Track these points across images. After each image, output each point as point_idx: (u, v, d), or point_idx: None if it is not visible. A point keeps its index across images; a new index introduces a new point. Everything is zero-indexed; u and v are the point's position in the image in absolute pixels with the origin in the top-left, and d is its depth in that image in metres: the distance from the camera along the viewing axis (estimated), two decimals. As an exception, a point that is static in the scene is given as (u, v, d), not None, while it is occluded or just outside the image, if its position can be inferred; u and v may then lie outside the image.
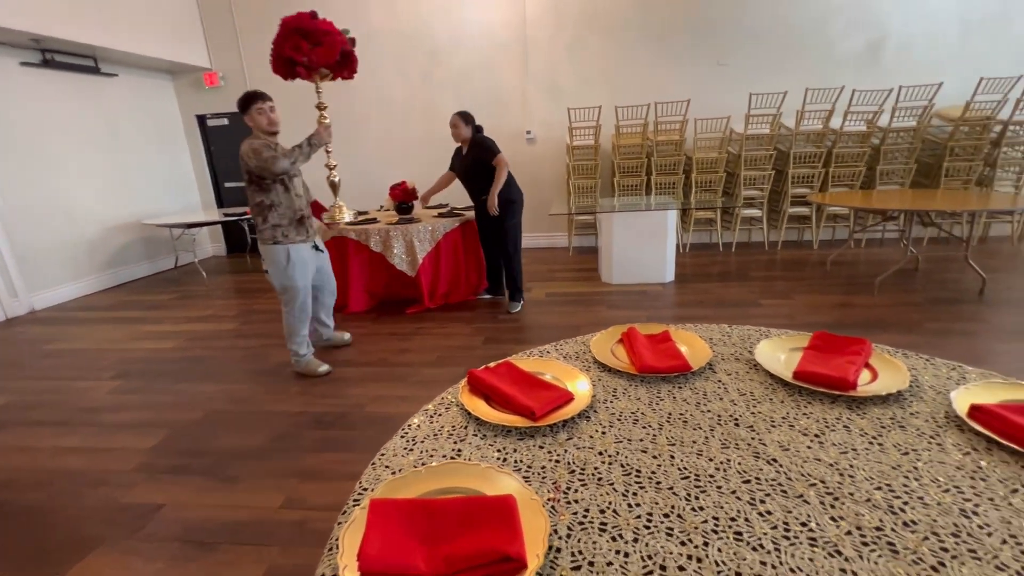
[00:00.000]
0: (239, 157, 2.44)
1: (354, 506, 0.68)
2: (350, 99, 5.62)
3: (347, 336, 3.19)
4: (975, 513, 0.62)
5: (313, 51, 2.43)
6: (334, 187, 2.88)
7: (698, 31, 4.98)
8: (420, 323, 3.50)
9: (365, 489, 0.72)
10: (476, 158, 3.44)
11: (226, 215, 5.41)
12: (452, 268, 3.87)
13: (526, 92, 5.39)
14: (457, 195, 5.50)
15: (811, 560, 0.56)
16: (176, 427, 2.28)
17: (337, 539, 0.61)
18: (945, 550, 0.57)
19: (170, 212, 5.90)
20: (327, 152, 2.80)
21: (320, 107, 2.71)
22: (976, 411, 0.79)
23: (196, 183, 6.36)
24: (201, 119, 6.16)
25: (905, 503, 0.64)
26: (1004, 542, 0.57)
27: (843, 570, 0.55)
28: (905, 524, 0.61)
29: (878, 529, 0.60)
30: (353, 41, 2.64)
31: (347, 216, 2.96)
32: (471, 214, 3.91)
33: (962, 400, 0.82)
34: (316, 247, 2.74)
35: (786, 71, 4.85)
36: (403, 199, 3.93)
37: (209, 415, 2.38)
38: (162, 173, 5.89)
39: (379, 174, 5.72)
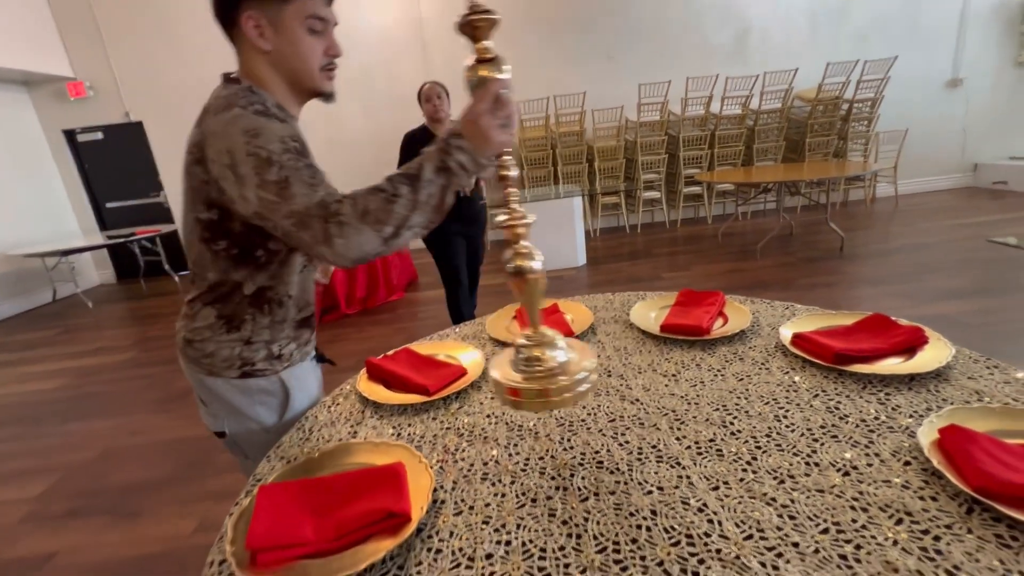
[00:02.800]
0: (198, 153, 0.79)
1: (245, 497, 0.70)
2: (242, 105, 5.32)
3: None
4: (785, 416, 0.75)
5: None
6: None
7: (587, 28, 5.24)
8: (338, 330, 3.42)
9: (259, 480, 0.74)
10: None
11: (111, 238, 4.93)
12: (368, 272, 3.81)
13: (429, 90, 5.39)
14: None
15: (656, 472, 0.67)
16: (67, 470, 2.09)
17: (226, 529, 0.63)
18: (759, 447, 0.69)
19: (41, 240, 5.27)
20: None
21: (484, 58, 0.67)
22: (797, 338, 0.94)
23: (71, 206, 5.73)
24: (70, 135, 5.55)
25: (735, 418, 0.77)
26: (802, 435, 0.71)
27: (680, 476, 0.66)
28: (732, 434, 0.73)
29: (711, 441, 0.72)
30: None
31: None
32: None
33: (786, 331, 0.98)
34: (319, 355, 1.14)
35: (669, 62, 5.24)
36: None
37: (105, 453, 2.20)
38: (26, 197, 5.24)
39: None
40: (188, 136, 0.82)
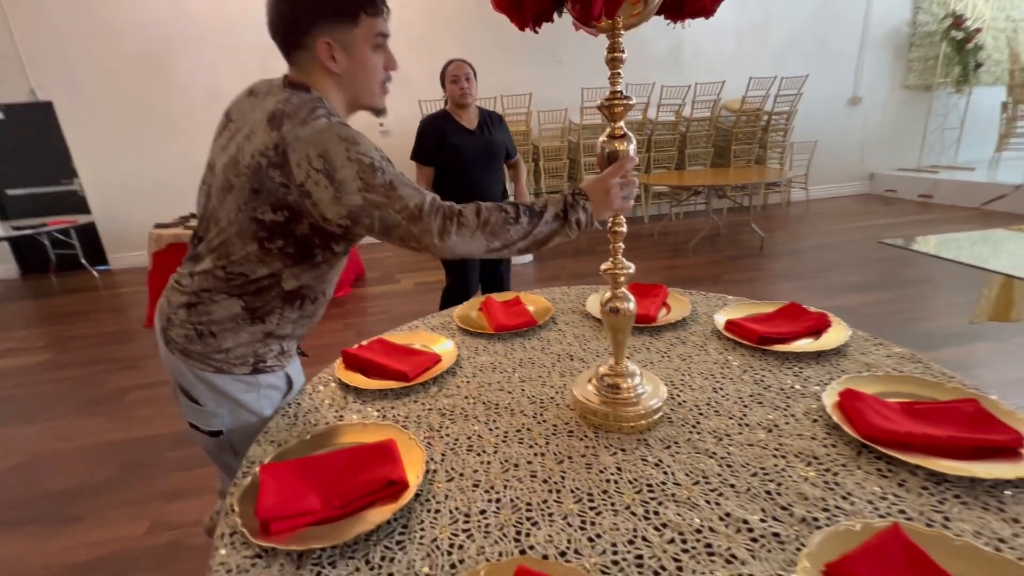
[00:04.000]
0: (277, 157, 0.78)
1: (244, 478, 0.74)
2: (166, 93, 4.98)
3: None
4: (721, 388, 0.89)
5: None
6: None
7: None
8: (283, 327, 3.33)
9: (253, 463, 0.78)
10: (501, 140, 2.21)
11: (16, 228, 4.46)
12: (313, 267, 3.73)
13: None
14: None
15: (618, 438, 0.78)
16: (-15, 481, 1.93)
17: (232, 505, 0.67)
18: (701, 413, 0.82)
19: (-76, 230, 4.67)
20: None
21: (617, 121, 0.79)
22: (729, 324, 1.10)
23: (-38, 191, 5.11)
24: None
25: (680, 391, 0.90)
26: (735, 403, 0.85)
27: (639, 439, 0.77)
28: (679, 404, 0.86)
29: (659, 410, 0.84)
30: None
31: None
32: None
33: (721, 318, 1.13)
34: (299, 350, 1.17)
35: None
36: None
37: (29, 460, 2.04)
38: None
39: (215, 173, 5.18)
40: (246, 137, 0.82)
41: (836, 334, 1.02)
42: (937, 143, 6.51)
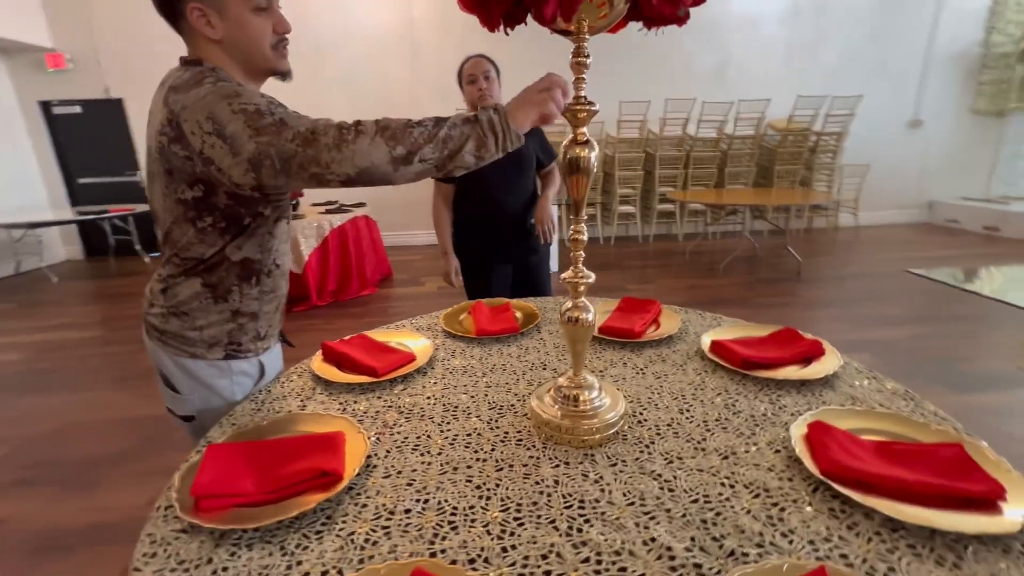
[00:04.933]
0: (172, 131, 0.80)
1: (195, 455, 0.76)
2: (227, 90, 5.29)
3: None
4: (688, 410, 0.85)
5: None
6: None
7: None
8: (307, 320, 3.45)
9: (209, 440, 0.80)
10: (529, 146, 1.83)
11: (81, 214, 4.85)
12: (341, 265, 3.85)
13: (414, 91, 5.46)
14: (345, 193, 5.40)
15: (565, 451, 0.76)
16: (19, 442, 2.08)
17: (175, 480, 0.69)
18: (659, 434, 0.79)
19: (9, 210, 5.14)
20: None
21: (580, 127, 0.75)
22: (715, 345, 1.05)
23: (42, 178, 5.60)
24: (46, 106, 5.43)
25: (644, 409, 0.86)
26: (698, 426, 0.81)
27: (586, 454, 0.75)
28: (639, 422, 0.83)
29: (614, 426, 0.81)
30: None
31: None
32: (362, 210, 3.89)
33: (707, 338, 1.08)
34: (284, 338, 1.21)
35: (650, 82, 5.41)
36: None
37: (63, 427, 2.20)
38: (-5, 166, 5.12)
39: (263, 170, 5.45)
40: (150, 123, 0.84)
41: (826, 363, 0.96)
42: (1009, 172, 6.04)
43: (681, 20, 0.70)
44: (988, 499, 0.61)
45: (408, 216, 5.66)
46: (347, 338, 1.14)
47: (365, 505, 0.65)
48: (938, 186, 6.07)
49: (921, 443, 0.72)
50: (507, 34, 0.76)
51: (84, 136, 5.52)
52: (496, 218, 1.81)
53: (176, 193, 0.84)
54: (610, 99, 5.15)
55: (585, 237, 0.80)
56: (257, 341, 1.01)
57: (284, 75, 0.94)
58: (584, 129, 0.75)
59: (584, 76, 0.73)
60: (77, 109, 5.47)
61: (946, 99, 5.83)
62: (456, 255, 1.91)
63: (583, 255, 0.80)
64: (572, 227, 0.79)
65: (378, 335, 1.18)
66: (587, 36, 0.71)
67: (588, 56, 0.72)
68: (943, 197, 6.06)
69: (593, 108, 0.73)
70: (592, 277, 0.81)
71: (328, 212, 3.90)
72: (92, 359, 2.95)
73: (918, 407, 0.83)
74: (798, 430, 0.75)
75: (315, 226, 3.60)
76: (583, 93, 0.73)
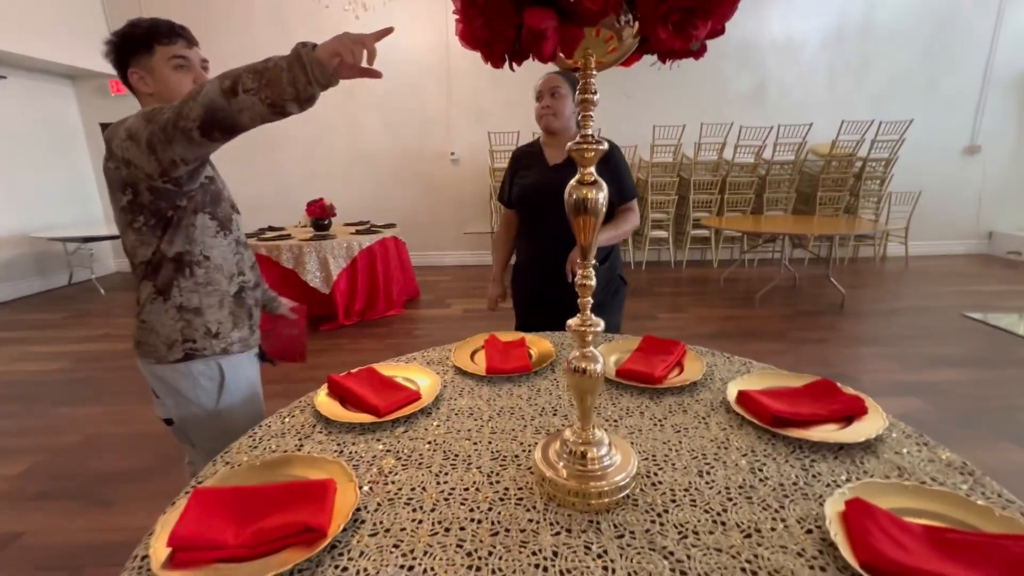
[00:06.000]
0: (107, 154, 1.00)
1: (183, 497, 0.73)
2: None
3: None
4: (708, 472, 0.77)
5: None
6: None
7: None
8: (334, 340, 3.48)
9: (200, 482, 0.78)
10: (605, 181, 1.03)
11: (130, 229, 5.10)
12: (369, 285, 3.88)
13: (450, 115, 5.55)
14: (377, 213, 5.51)
15: (568, 516, 0.69)
16: (49, 452, 2.14)
17: (156, 526, 0.66)
18: (674, 501, 0.71)
19: (66, 225, 5.47)
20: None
21: (587, 167, 0.71)
22: (742, 396, 0.96)
23: (99, 196, 5.95)
24: (106, 128, 5.79)
25: (660, 469, 0.79)
26: (719, 493, 0.73)
27: (591, 521, 0.68)
28: (653, 484, 0.75)
29: (625, 489, 0.74)
30: None
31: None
32: (391, 231, 3.93)
33: (733, 387, 1.00)
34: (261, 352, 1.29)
35: (684, 105, 5.34)
36: (320, 216, 3.92)
37: (89, 439, 2.25)
38: (58, 183, 5.47)
39: (300, 191, 5.63)
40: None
41: (869, 424, 0.86)
42: (1078, 203, 5.63)
43: (696, 54, 0.65)
44: (1068, 614, 0.51)
45: (438, 236, 5.72)
46: (354, 371, 1.11)
47: (346, 568, 0.61)
48: (997, 215, 5.70)
49: (983, 532, 0.62)
50: (512, 69, 0.73)
51: (138, 155, 5.85)
52: (545, 259, 1.64)
53: (118, 204, 1.01)
54: (643, 123, 5.10)
55: (593, 282, 0.74)
56: (211, 338, 1.10)
57: None
58: (591, 168, 0.70)
59: (591, 114, 0.69)
60: (134, 130, 5.81)
61: (1006, 123, 5.50)
62: (512, 286, 1.89)
63: (591, 302, 0.75)
64: (580, 272, 0.74)
65: (386, 369, 1.14)
66: (594, 72, 0.66)
67: (596, 93, 0.68)
68: (1005, 228, 5.68)
69: (600, 148, 0.68)
70: (601, 325, 0.75)
71: (358, 232, 3.96)
72: (124, 371, 3.04)
73: (978, 484, 0.72)
74: (834, 507, 0.66)
75: (344, 246, 3.66)
76: (590, 131, 0.69)
